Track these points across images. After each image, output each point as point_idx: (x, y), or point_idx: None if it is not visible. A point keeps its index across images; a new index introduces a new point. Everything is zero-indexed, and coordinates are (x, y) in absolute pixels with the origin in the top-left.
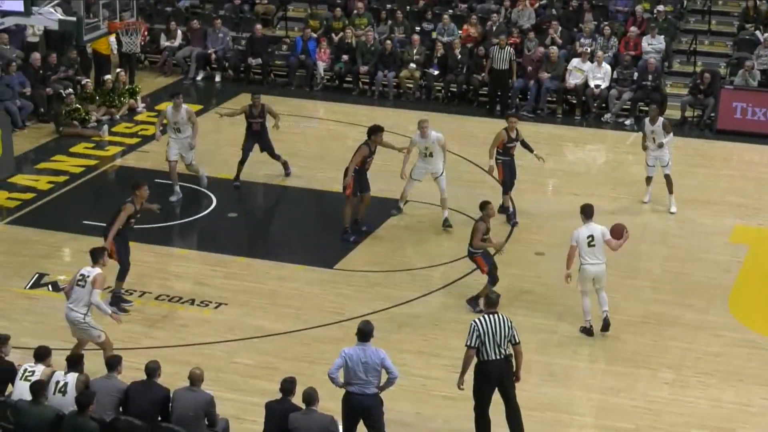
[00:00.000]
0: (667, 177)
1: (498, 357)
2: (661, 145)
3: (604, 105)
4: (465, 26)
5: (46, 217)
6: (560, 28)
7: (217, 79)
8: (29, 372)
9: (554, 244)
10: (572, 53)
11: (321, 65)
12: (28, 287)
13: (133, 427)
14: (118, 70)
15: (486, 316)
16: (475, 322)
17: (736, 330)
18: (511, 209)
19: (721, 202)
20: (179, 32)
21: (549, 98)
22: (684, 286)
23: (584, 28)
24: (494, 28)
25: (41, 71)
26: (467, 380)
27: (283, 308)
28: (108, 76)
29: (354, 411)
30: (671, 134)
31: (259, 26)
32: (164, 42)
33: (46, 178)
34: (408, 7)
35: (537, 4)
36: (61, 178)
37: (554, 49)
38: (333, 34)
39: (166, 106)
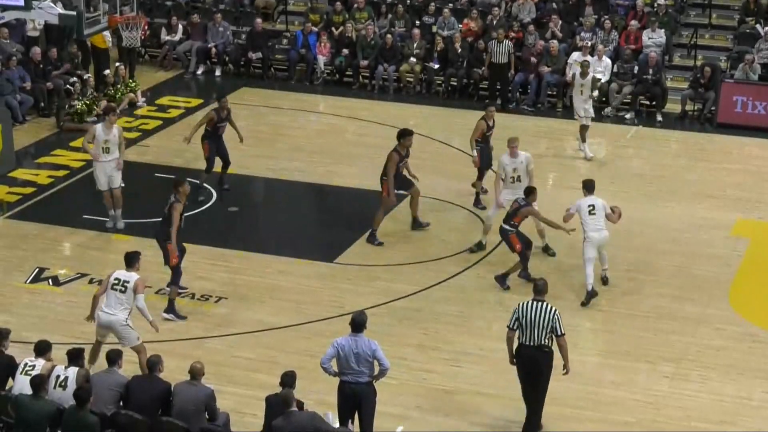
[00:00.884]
0: (586, 128)
1: (531, 343)
2: (590, 98)
3: (604, 99)
4: (465, 20)
5: (47, 212)
6: (560, 22)
7: (218, 73)
8: (30, 366)
9: (553, 237)
10: (573, 47)
11: (321, 59)
12: (28, 281)
13: (133, 421)
14: (118, 64)
15: (530, 301)
16: (519, 305)
17: (736, 323)
18: (480, 195)
19: (722, 196)
20: (180, 26)
21: (549, 92)
22: (685, 280)
23: (585, 21)
24: (495, 22)
25: (41, 66)
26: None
27: (284, 302)
28: (107, 71)
29: (348, 399)
30: (596, 90)
31: (259, 20)
32: (165, 36)
33: (46, 173)
34: (408, 1)
35: None
36: (62, 173)
37: (555, 43)
38: (333, 28)
39: (96, 125)
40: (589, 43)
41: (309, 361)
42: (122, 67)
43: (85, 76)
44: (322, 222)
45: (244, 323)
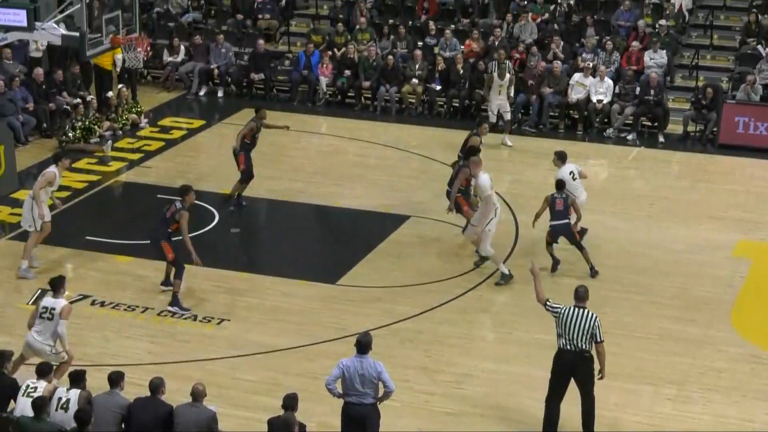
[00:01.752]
0: (508, 122)
1: (572, 348)
2: (508, 97)
3: (606, 120)
4: (467, 41)
5: (49, 233)
6: (562, 43)
7: (220, 94)
8: (32, 388)
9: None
10: (574, 68)
11: (323, 80)
12: (30, 303)
13: None
14: (120, 86)
15: (572, 307)
16: (561, 309)
17: (739, 345)
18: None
19: (724, 217)
20: (182, 47)
21: (551, 113)
22: (687, 301)
23: (586, 42)
24: (496, 43)
25: (44, 86)
26: None
27: (286, 324)
28: (110, 93)
29: (352, 420)
30: (512, 90)
31: (261, 41)
32: (167, 57)
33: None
34: (410, 23)
35: (539, 19)
36: (64, 194)
37: (557, 64)
38: (335, 49)
39: (51, 170)
40: (591, 64)
41: (311, 383)
42: (125, 88)
43: (88, 98)
44: (324, 243)
45: (247, 345)
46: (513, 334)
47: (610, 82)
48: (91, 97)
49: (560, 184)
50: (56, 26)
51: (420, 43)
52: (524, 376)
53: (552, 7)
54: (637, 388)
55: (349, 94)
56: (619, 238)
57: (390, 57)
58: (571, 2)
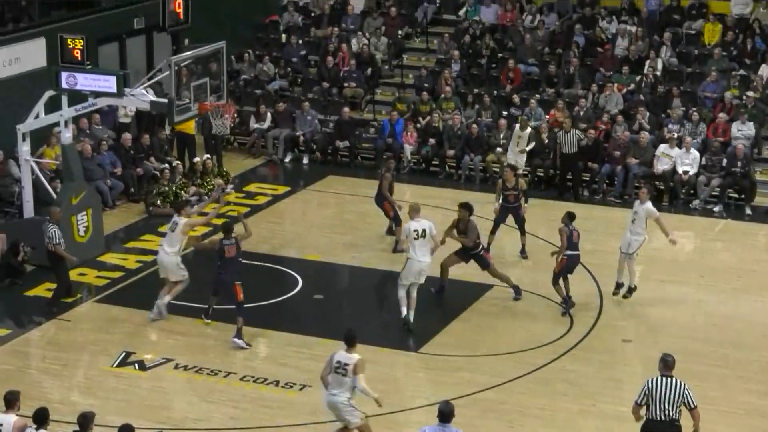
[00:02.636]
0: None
1: (662, 419)
2: (523, 151)
3: (692, 191)
4: (552, 111)
5: (134, 296)
6: (648, 114)
7: (305, 161)
8: None
9: (641, 331)
10: (660, 139)
11: (408, 148)
12: (114, 365)
13: None
14: (206, 156)
15: (659, 377)
16: (648, 381)
17: None
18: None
19: None
20: (268, 114)
21: (636, 183)
22: None
23: (672, 113)
24: (581, 113)
25: (131, 151)
26: None
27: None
28: (197, 159)
29: None
30: (533, 143)
31: (346, 109)
32: (253, 124)
33: (134, 257)
34: (495, 92)
35: (624, 90)
36: (150, 257)
37: (643, 134)
38: (420, 118)
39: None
40: (676, 135)
41: None
42: (209, 159)
43: (174, 163)
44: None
45: (329, 411)
46: (596, 406)
47: (697, 153)
48: (178, 162)
49: (572, 216)
50: (145, 92)
51: (504, 113)
52: None
53: (638, 78)
54: None
55: (434, 162)
56: (706, 310)
57: (474, 126)
58: (657, 73)
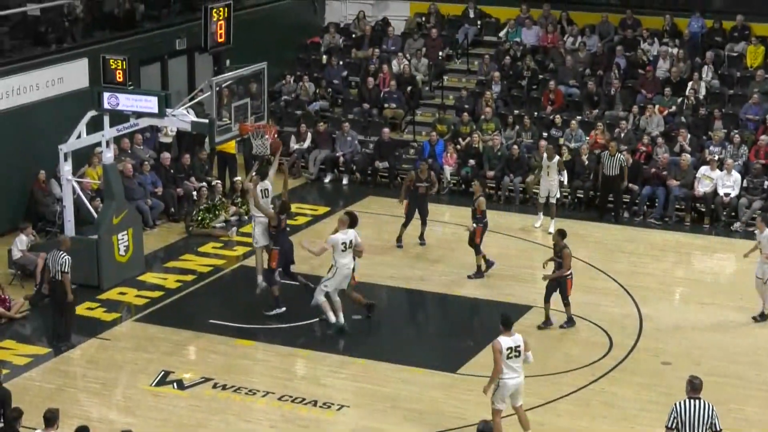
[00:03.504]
0: (552, 206)
1: None
2: (554, 181)
3: (733, 214)
4: (593, 132)
5: (173, 315)
6: (689, 136)
7: (345, 181)
8: None
9: (681, 353)
10: (701, 161)
11: (448, 169)
12: (153, 384)
13: None
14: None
15: (687, 400)
16: (675, 404)
17: None
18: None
19: None
20: (309, 135)
21: (677, 206)
22: None
23: (713, 135)
24: (622, 135)
25: (172, 171)
26: None
27: (405, 411)
28: (238, 178)
29: None
30: (564, 173)
31: (386, 130)
32: (294, 144)
33: (174, 277)
34: (536, 113)
35: (666, 112)
36: (189, 277)
37: (686, 156)
38: (460, 139)
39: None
40: (717, 157)
41: None
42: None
43: (214, 182)
44: (444, 331)
45: None
46: (635, 428)
47: (738, 175)
48: (217, 181)
49: (564, 234)
50: (186, 113)
51: (545, 134)
52: None
53: (679, 100)
54: None
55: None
56: (747, 333)
57: (515, 147)
58: (700, 96)
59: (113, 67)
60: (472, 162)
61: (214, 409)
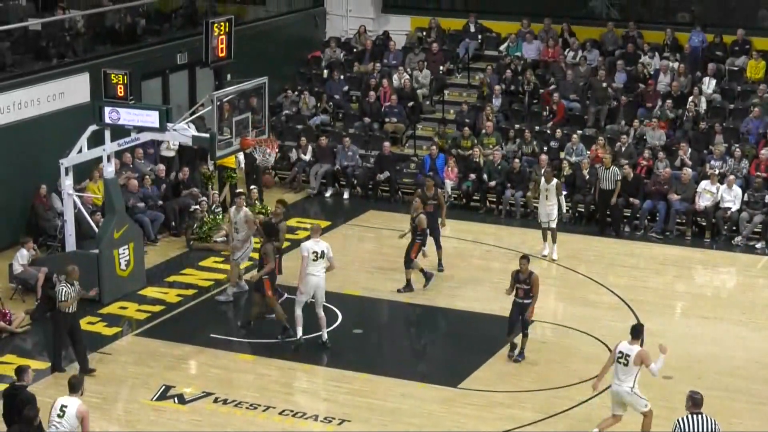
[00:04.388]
0: (553, 230)
1: None
2: (552, 205)
3: (734, 228)
4: (593, 146)
5: (174, 330)
6: (690, 150)
7: (346, 195)
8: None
9: (682, 367)
10: (702, 175)
11: (449, 183)
12: (154, 399)
13: None
14: (253, 187)
15: (690, 415)
16: (678, 421)
17: None
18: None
19: None
20: (310, 147)
21: (678, 220)
22: None
23: (714, 149)
24: (623, 149)
25: (174, 186)
26: None
27: (407, 426)
28: (239, 190)
29: None
30: (562, 196)
31: (387, 144)
32: (295, 155)
33: (175, 291)
34: (537, 127)
35: (666, 127)
36: (190, 292)
37: (687, 171)
38: (459, 150)
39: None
40: (717, 171)
41: None
42: (255, 189)
43: (211, 193)
44: (446, 346)
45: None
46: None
47: (739, 189)
48: (215, 192)
49: (529, 259)
50: (187, 127)
51: (546, 148)
52: None
53: (680, 113)
54: None
55: (474, 197)
56: (748, 347)
57: (516, 161)
58: (700, 109)
59: (114, 81)
60: (472, 176)
61: (215, 423)
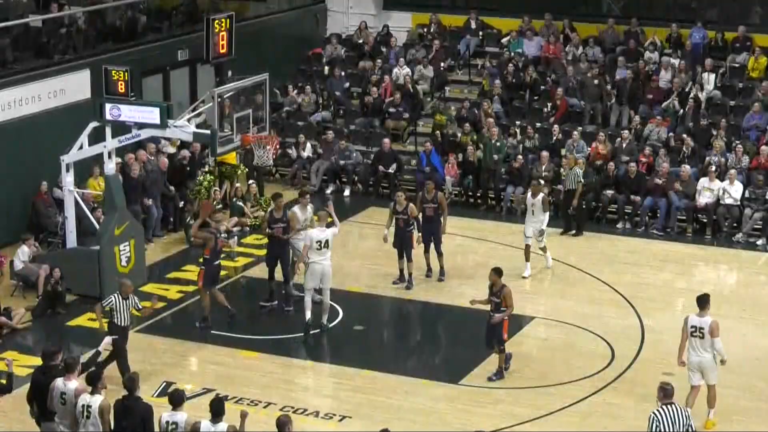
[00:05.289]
0: (544, 248)
1: None
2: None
3: (735, 224)
4: (594, 143)
5: (175, 326)
6: (693, 145)
7: (347, 192)
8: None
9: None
10: (702, 171)
11: (449, 180)
12: (155, 395)
13: None
14: (250, 182)
15: (664, 407)
16: (654, 413)
17: None
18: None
19: None
20: (308, 145)
21: (679, 216)
22: None
23: (715, 145)
24: (624, 146)
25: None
26: None
27: (408, 422)
28: (238, 184)
29: None
30: (548, 213)
31: (387, 140)
32: (295, 152)
33: (176, 288)
34: (538, 124)
35: (668, 123)
36: (191, 288)
37: (686, 168)
38: (454, 140)
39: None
40: (714, 168)
41: None
42: (254, 184)
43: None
44: (447, 343)
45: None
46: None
47: (740, 185)
48: (216, 189)
49: (500, 272)
50: (188, 123)
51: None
52: None
53: (681, 111)
54: None
55: (477, 194)
56: (749, 344)
57: (519, 157)
58: (701, 103)
59: (115, 78)
60: (470, 177)
61: None
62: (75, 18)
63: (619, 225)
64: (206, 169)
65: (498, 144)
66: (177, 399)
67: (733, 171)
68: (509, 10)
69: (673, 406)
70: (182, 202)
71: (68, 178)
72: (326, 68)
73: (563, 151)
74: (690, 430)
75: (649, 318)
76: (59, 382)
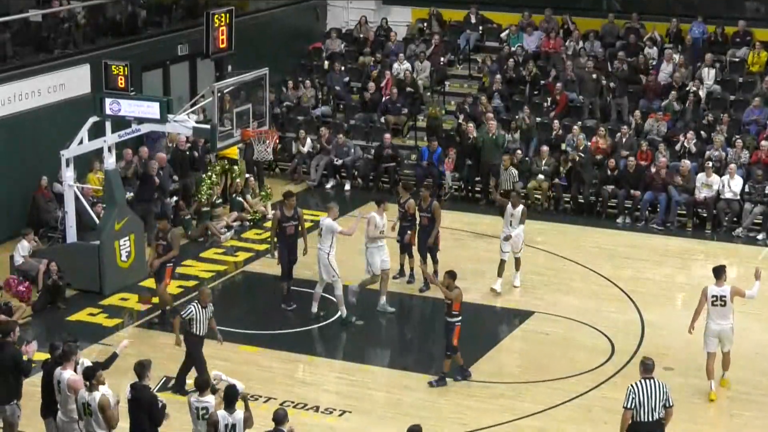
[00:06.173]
0: (518, 260)
1: (650, 420)
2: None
3: (735, 219)
4: (594, 138)
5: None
6: (694, 140)
7: (347, 187)
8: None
9: (683, 359)
10: (702, 166)
11: (449, 175)
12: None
13: None
14: (248, 176)
15: (642, 380)
16: (632, 385)
17: None
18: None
19: None
20: (308, 140)
21: (679, 211)
22: None
23: (715, 140)
24: (624, 140)
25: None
26: None
27: (408, 417)
28: (238, 180)
29: None
30: (523, 225)
31: (387, 135)
32: (295, 147)
33: (176, 283)
34: (538, 119)
35: (668, 118)
36: (191, 283)
37: (686, 163)
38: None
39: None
40: (710, 164)
41: None
42: (252, 178)
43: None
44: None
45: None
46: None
47: (740, 180)
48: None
49: (454, 275)
50: (188, 118)
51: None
52: None
53: (681, 106)
54: None
55: (476, 189)
56: (750, 338)
57: (519, 151)
58: (701, 97)
59: (115, 73)
60: (469, 162)
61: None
62: (75, 13)
63: (619, 220)
64: (209, 172)
65: (496, 138)
66: (203, 384)
67: (733, 165)
68: (509, 5)
69: (652, 380)
70: (175, 198)
71: (68, 173)
72: (326, 63)
73: (563, 146)
74: (667, 404)
75: (650, 312)
76: (57, 370)
